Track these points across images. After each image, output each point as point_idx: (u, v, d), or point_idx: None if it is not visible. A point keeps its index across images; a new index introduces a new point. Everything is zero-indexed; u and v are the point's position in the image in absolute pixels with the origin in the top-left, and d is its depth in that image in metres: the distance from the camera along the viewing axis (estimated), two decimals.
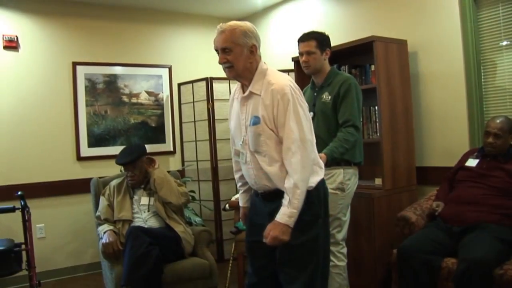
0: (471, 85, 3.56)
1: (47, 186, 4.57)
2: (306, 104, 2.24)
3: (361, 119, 3.15)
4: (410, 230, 3.13)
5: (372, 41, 3.62)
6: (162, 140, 5.25)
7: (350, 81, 3.04)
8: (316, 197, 2.21)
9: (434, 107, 3.81)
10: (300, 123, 2.13)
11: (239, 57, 2.18)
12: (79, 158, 4.78)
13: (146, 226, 3.38)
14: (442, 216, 3.04)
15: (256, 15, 5.61)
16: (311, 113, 3.12)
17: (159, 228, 3.42)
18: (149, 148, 4.14)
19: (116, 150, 4.82)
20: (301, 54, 3.08)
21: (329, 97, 3.03)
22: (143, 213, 3.50)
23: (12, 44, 4.48)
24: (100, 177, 3.94)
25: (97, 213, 3.56)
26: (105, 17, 5.00)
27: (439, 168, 3.73)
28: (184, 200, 3.62)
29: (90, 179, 3.87)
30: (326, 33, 3.12)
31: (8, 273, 3.30)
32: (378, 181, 3.73)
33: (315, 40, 3.03)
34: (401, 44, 3.81)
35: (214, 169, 4.99)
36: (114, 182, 3.66)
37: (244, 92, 2.27)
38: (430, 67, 3.82)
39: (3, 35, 4.44)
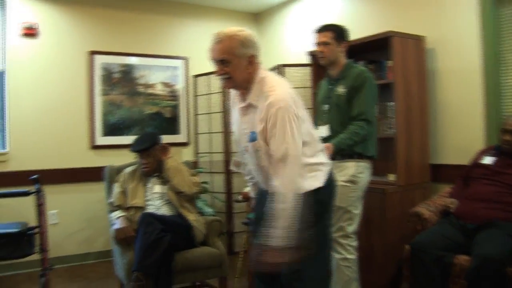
0: (489, 82, 3.52)
1: (61, 173, 4.62)
2: (304, 113, 2.18)
3: (375, 113, 3.13)
4: (423, 226, 3.11)
5: (389, 37, 3.59)
6: (176, 131, 5.27)
7: (365, 74, 3.02)
8: (307, 204, 2.07)
9: (450, 104, 3.77)
10: (288, 138, 2.02)
11: (238, 68, 2.10)
12: (94, 147, 4.83)
13: (158, 213, 3.40)
14: (455, 213, 3.02)
15: (272, 9, 5.60)
16: (326, 106, 3.13)
17: (172, 216, 3.44)
18: (163, 139, 4.12)
19: (130, 139, 4.83)
20: (317, 44, 3.08)
21: (344, 90, 3.02)
22: (156, 201, 3.51)
23: (32, 32, 4.53)
24: (113, 165, 3.96)
25: (110, 200, 3.58)
26: (124, 7, 5.03)
27: (453, 166, 3.69)
28: (197, 190, 3.63)
29: (103, 167, 3.90)
30: (344, 26, 3.12)
31: (21, 256, 3.33)
32: (391, 177, 3.70)
33: (332, 31, 3.03)
34: (419, 40, 3.78)
35: (227, 162, 5.00)
36: (128, 170, 3.68)
37: (243, 101, 2.20)
38: (447, 63, 3.78)
39: (23, 22, 4.49)
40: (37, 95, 4.58)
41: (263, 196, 2.29)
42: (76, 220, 4.71)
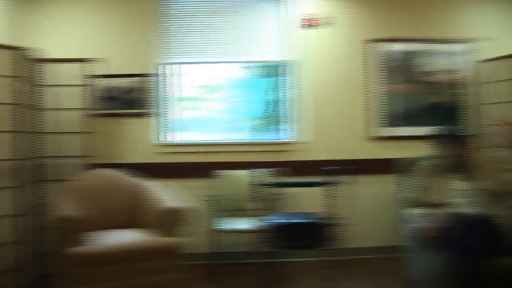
0: None
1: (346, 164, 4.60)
2: None
3: None
4: None
5: None
6: (458, 122, 4.77)
7: None
8: None
9: None
10: None
11: None
12: (374, 138, 4.70)
13: (462, 212, 3.04)
14: None
15: None
16: None
17: (481, 216, 3.03)
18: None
19: (410, 131, 4.61)
20: None
21: None
22: (459, 198, 3.15)
23: (315, 22, 4.64)
24: (403, 158, 3.73)
25: (406, 194, 3.36)
26: None
27: None
28: (507, 189, 3.15)
29: (385, 159, 3.68)
30: None
31: (315, 246, 3.38)
32: None
33: None
34: None
35: None
36: (425, 162, 3.41)
37: None
38: None
39: (308, 14, 4.64)
40: (320, 85, 4.70)
41: None
42: (363, 213, 4.58)
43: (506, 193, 3.17)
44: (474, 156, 3.21)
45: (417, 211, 3.18)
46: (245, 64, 4.80)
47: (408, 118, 4.71)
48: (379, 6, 4.76)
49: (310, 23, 4.65)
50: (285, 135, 4.74)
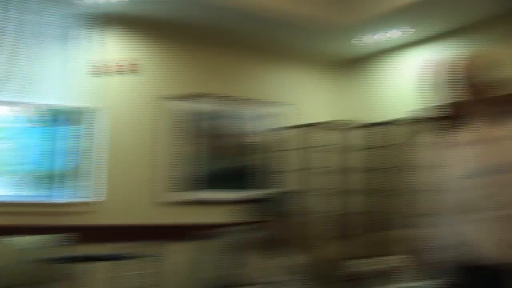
0: None
1: None
2: None
3: None
4: None
5: None
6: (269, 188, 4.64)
7: None
8: None
9: None
10: None
11: (483, 91, 1.97)
12: (172, 202, 4.21)
13: None
14: None
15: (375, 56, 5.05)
16: None
17: None
18: None
19: (215, 195, 4.29)
20: None
21: None
22: (272, 277, 2.80)
23: (112, 70, 4.10)
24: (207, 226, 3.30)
25: (208, 273, 2.90)
26: (221, 46, 4.56)
27: None
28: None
29: (186, 226, 3.21)
30: None
31: None
32: None
33: None
34: None
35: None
36: (234, 234, 2.99)
37: (475, 130, 1.97)
38: None
39: (104, 60, 4.07)
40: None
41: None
42: None
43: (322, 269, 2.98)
44: (290, 228, 2.95)
45: None
46: (20, 107, 3.88)
47: (211, 182, 4.38)
48: (186, 61, 4.46)
49: (106, 69, 4.05)
50: (72, 194, 3.94)
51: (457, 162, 2.00)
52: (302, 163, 4.56)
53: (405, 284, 2.81)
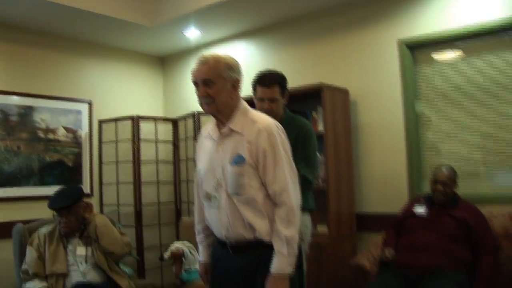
0: (410, 136, 3.73)
1: None
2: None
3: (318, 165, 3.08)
4: (366, 279, 3.10)
5: (321, 88, 3.66)
6: (78, 181, 4.77)
7: (309, 126, 2.91)
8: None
9: (373, 156, 3.92)
10: (290, 165, 2.05)
11: (221, 91, 2.03)
12: None
13: (85, 281, 2.96)
14: (396, 263, 3.05)
15: (180, 54, 5.46)
16: None
17: (102, 283, 3.00)
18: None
19: (27, 191, 4.30)
20: (261, 99, 2.79)
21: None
22: (80, 265, 3.03)
23: None
24: (24, 222, 3.39)
25: (24, 267, 3.02)
26: (23, 41, 4.51)
27: (377, 215, 3.81)
28: (128, 250, 3.26)
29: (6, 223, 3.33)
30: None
31: None
32: (320, 228, 3.69)
33: (278, 85, 2.78)
34: (345, 92, 3.91)
35: (138, 214, 4.63)
36: (44, 230, 3.14)
37: (222, 128, 2.10)
38: (369, 116, 3.95)
39: None
40: None
41: (223, 257, 2.13)
42: None
43: (125, 254, 3.27)
44: (95, 218, 3.19)
45: (35, 284, 2.90)
46: None
47: (26, 177, 4.38)
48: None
49: None
50: None
51: (203, 155, 2.19)
52: (106, 156, 4.85)
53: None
